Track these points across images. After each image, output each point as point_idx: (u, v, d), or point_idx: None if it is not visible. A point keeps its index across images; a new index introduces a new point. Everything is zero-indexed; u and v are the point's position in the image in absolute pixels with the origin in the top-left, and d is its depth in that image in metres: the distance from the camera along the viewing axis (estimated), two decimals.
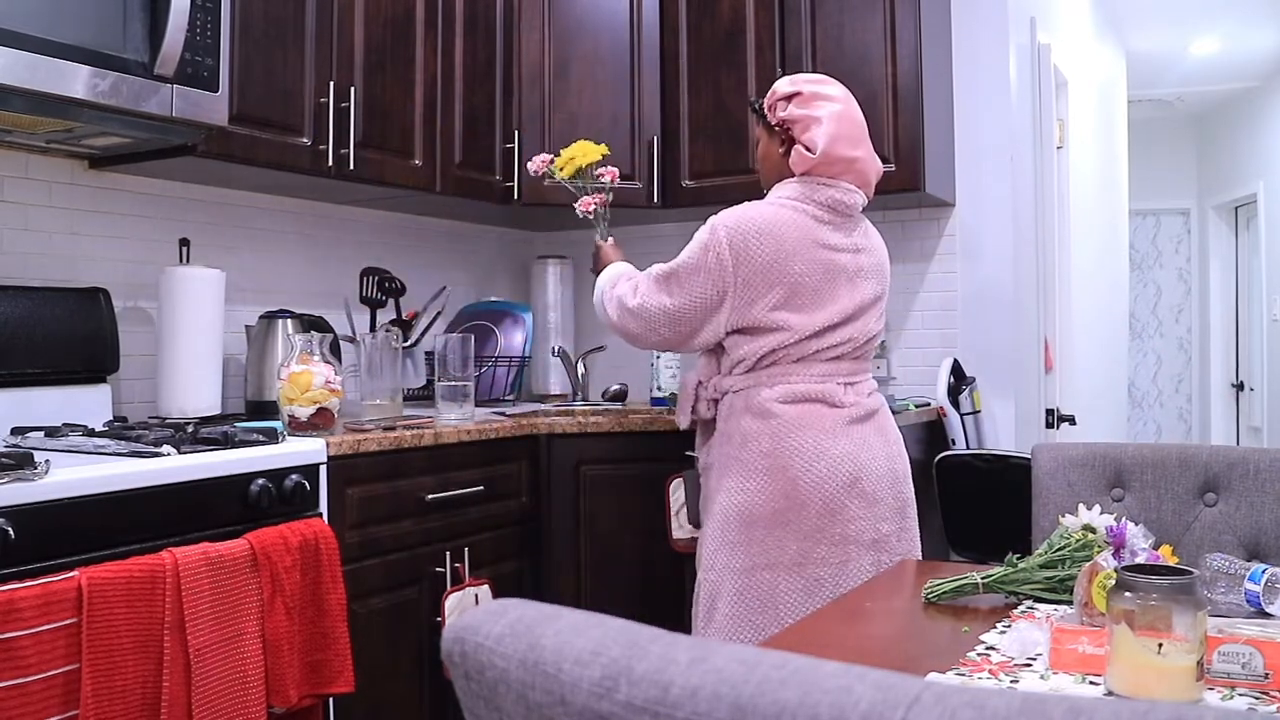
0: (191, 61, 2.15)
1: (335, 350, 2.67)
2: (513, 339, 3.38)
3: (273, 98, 2.47)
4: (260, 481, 1.98)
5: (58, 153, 2.42)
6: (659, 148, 3.31)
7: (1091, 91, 5.28)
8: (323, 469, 2.14)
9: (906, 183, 3.03)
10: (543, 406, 3.33)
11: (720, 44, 3.28)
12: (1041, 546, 1.53)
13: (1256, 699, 1.11)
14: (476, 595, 2.49)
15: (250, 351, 2.70)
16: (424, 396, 3.14)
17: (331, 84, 2.61)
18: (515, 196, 3.20)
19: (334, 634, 1.99)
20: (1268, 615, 1.36)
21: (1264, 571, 1.38)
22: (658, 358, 3.26)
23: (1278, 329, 6.72)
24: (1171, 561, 1.39)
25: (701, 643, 0.59)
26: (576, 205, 2.62)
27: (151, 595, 1.69)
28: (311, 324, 2.71)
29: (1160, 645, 1.08)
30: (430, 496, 2.42)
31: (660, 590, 2.80)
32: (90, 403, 2.38)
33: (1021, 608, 1.45)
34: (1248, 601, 1.37)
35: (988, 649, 1.27)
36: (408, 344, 3.06)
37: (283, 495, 2.03)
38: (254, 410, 2.64)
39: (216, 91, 2.21)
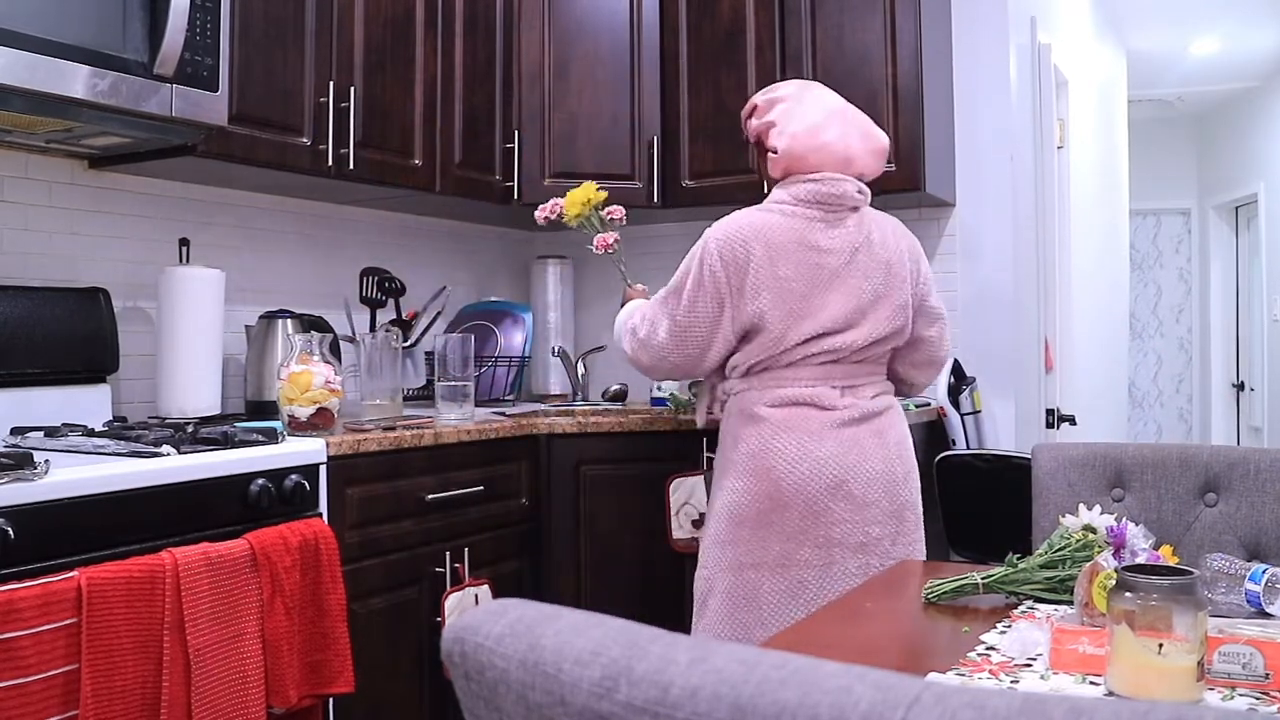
0: (191, 61, 2.15)
1: (335, 350, 2.67)
2: (513, 339, 3.38)
3: (273, 98, 2.47)
4: (260, 481, 1.98)
5: (58, 153, 2.42)
6: (659, 148, 3.31)
7: (1091, 91, 5.28)
8: (323, 469, 2.14)
9: (906, 183, 3.03)
10: (543, 406, 3.33)
11: (720, 44, 3.28)
12: (1042, 546, 1.53)
13: (1257, 699, 1.11)
14: (476, 595, 2.49)
15: (250, 351, 2.70)
16: (424, 396, 3.14)
17: (331, 84, 2.61)
18: (515, 196, 3.20)
19: (334, 634, 1.99)
20: (1268, 615, 1.36)
21: (1264, 571, 1.38)
22: None
23: (1278, 329, 6.72)
24: (1171, 561, 1.39)
25: (701, 643, 0.58)
26: (593, 246, 2.65)
27: (151, 595, 1.69)
28: (311, 324, 2.71)
29: (1160, 645, 1.08)
30: (430, 496, 2.42)
31: (660, 590, 2.80)
32: (90, 403, 2.38)
33: (1022, 608, 1.45)
34: (1248, 601, 1.37)
35: (988, 649, 1.27)
36: (408, 344, 3.06)
37: (283, 495, 2.03)
38: (254, 410, 2.64)
39: (216, 91, 2.21)
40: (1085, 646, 1.19)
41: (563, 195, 2.69)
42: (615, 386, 3.44)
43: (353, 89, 2.66)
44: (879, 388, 2.29)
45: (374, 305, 3.04)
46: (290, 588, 1.91)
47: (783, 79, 2.96)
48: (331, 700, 2.10)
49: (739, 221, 2.20)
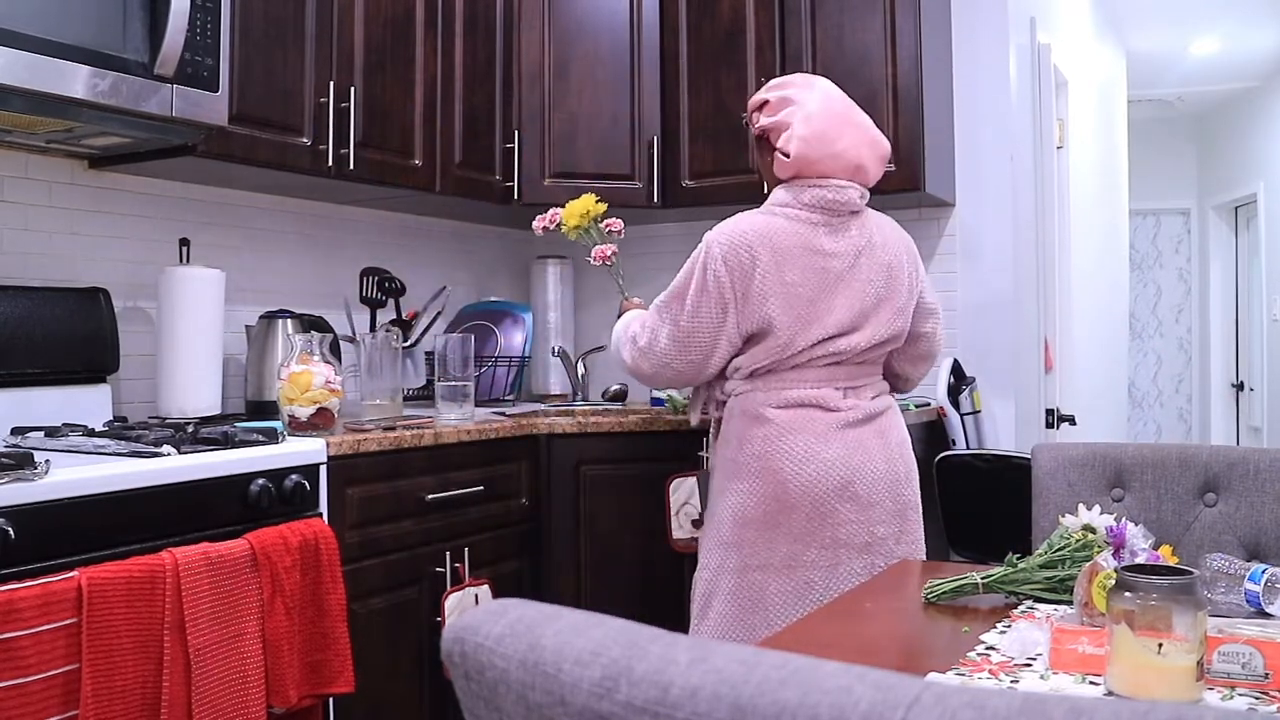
0: (191, 61, 2.15)
1: (335, 350, 2.67)
2: (513, 339, 3.38)
3: (273, 98, 2.47)
4: (260, 481, 1.98)
5: (58, 153, 2.42)
6: (659, 148, 3.32)
7: (1091, 91, 5.28)
8: (323, 469, 2.15)
9: (906, 183, 3.03)
10: (543, 406, 3.33)
11: (720, 44, 3.28)
12: (1041, 546, 1.53)
13: (1256, 699, 1.11)
14: (476, 595, 2.49)
15: (250, 351, 2.70)
16: (424, 396, 3.14)
17: (331, 84, 2.61)
18: (515, 196, 3.20)
19: (334, 634, 1.99)
20: (1268, 615, 1.36)
21: (1264, 571, 1.38)
22: None
23: (1278, 329, 6.72)
24: (1171, 561, 1.39)
25: (701, 643, 0.59)
26: (591, 257, 2.65)
27: (151, 595, 1.69)
28: (311, 324, 2.71)
29: (1160, 645, 1.08)
30: (430, 496, 2.42)
31: (660, 590, 2.80)
32: (90, 403, 2.38)
33: (1021, 608, 1.45)
34: (1248, 601, 1.37)
35: (988, 649, 1.27)
36: (408, 344, 3.06)
37: (283, 495, 2.03)
38: (254, 410, 2.64)
39: (216, 91, 2.21)
40: (1085, 646, 1.19)
41: (562, 202, 2.69)
42: (615, 386, 3.44)
43: (353, 89, 2.66)
44: (878, 388, 2.30)
45: (374, 305, 3.04)
46: (290, 588, 1.91)
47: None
48: (331, 700, 2.10)
49: (742, 225, 2.19)
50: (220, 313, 2.54)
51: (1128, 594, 1.11)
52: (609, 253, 2.63)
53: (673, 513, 2.75)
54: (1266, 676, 1.13)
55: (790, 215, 2.19)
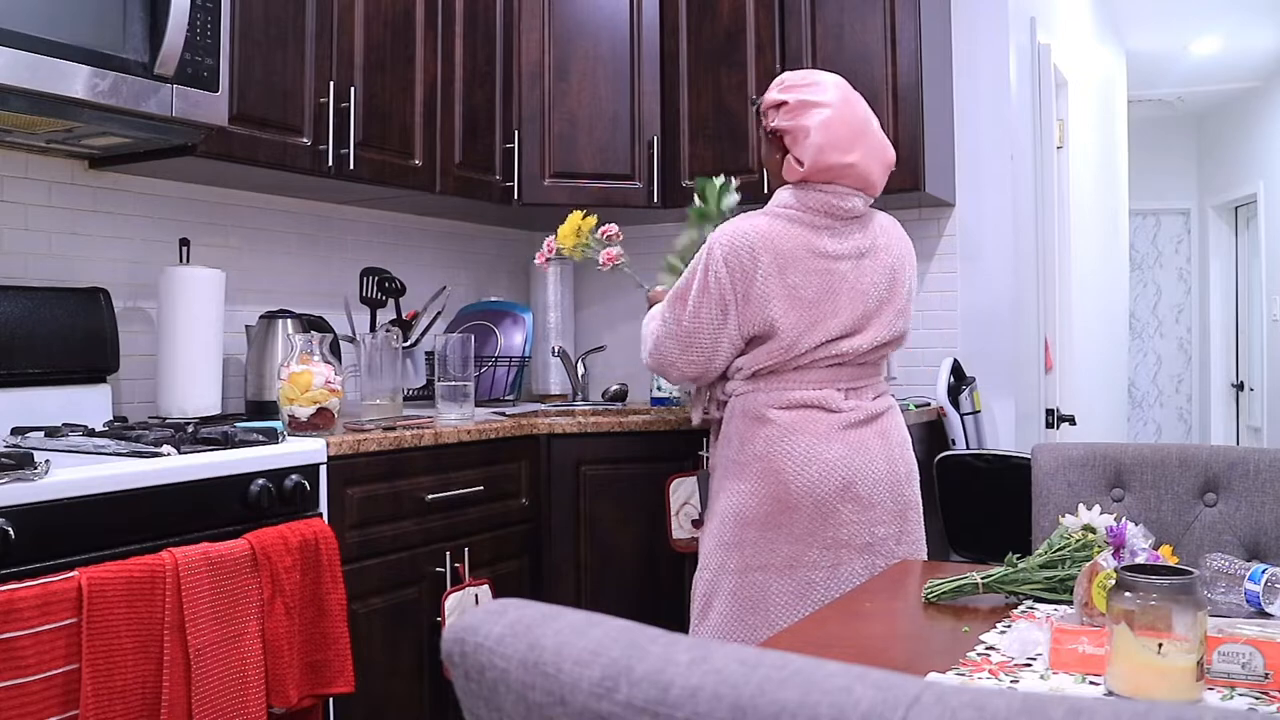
0: (191, 61, 2.15)
1: (335, 350, 2.67)
2: (513, 339, 3.39)
3: (273, 98, 2.47)
4: (260, 481, 1.98)
5: (58, 153, 2.42)
6: (659, 148, 3.32)
7: (1091, 91, 5.28)
8: (323, 469, 2.14)
9: (906, 183, 3.03)
10: (543, 406, 3.33)
11: (720, 44, 3.28)
12: (1041, 546, 1.53)
13: (1256, 699, 1.11)
14: (476, 595, 2.49)
15: (250, 351, 2.70)
16: (424, 396, 3.14)
17: (331, 84, 2.61)
18: (515, 196, 3.20)
19: (334, 634, 1.99)
20: (1268, 615, 1.36)
21: (1264, 571, 1.38)
22: None
23: (1278, 329, 6.72)
24: (1171, 561, 1.39)
25: (701, 643, 0.59)
26: (600, 265, 2.72)
27: (151, 595, 1.69)
28: (311, 324, 2.71)
29: (1160, 645, 1.08)
30: (430, 496, 2.42)
31: (660, 590, 2.80)
32: (90, 403, 2.38)
33: (1021, 608, 1.45)
34: (1248, 601, 1.37)
35: (988, 649, 1.27)
36: (408, 344, 3.06)
37: (283, 495, 2.03)
38: (254, 410, 2.64)
39: (216, 91, 2.21)
40: (1085, 646, 1.19)
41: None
42: (615, 386, 3.44)
43: (353, 89, 2.66)
44: (879, 389, 2.30)
45: (374, 305, 3.04)
46: (290, 588, 1.91)
47: None
48: (331, 700, 2.10)
49: (744, 227, 2.19)
50: (220, 313, 2.54)
51: (1128, 594, 1.11)
52: (615, 254, 2.67)
53: (673, 513, 2.75)
54: (1266, 676, 1.13)
55: (794, 217, 2.19)
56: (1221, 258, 7.81)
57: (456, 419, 2.65)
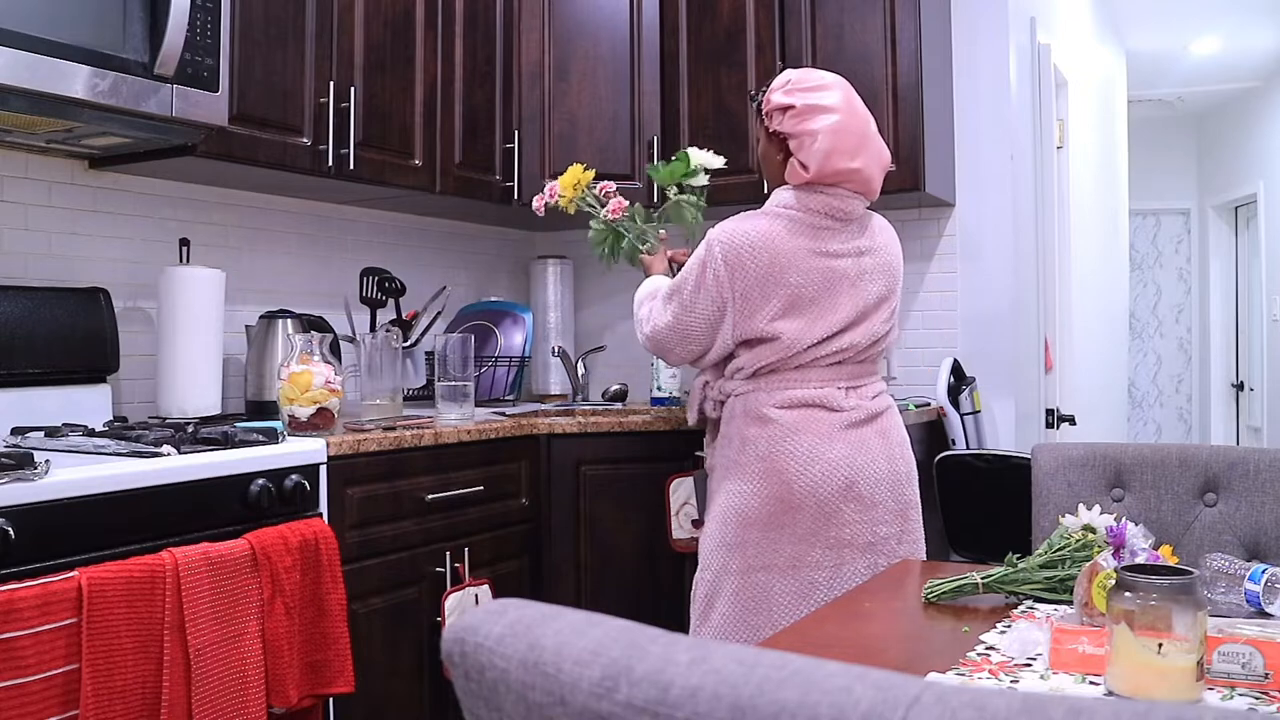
0: (191, 61, 2.15)
1: (335, 350, 2.67)
2: (513, 339, 3.39)
3: (273, 98, 2.47)
4: (260, 481, 1.98)
5: (58, 153, 2.42)
6: (659, 148, 3.31)
7: (1091, 91, 5.28)
8: (323, 469, 2.14)
9: (906, 183, 3.03)
10: (543, 406, 3.33)
11: (720, 44, 3.28)
12: (1041, 546, 1.53)
13: (1256, 699, 1.11)
14: (476, 595, 2.49)
15: (250, 351, 2.70)
16: (424, 396, 3.14)
17: (331, 84, 2.61)
18: (515, 196, 3.20)
19: (334, 634, 1.99)
20: (1268, 615, 1.36)
21: (1264, 571, 1.38)
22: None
23: (1278, 329, 6.72)
24: (1171, 561, 1.39)
25: (701, 643, 0.59)
26: (606, 215, 2.66)
27: (151, 595, 1.69)
28: (311, 324, 2.71)
29: (1160, 645, 1.08)
30: (430, 496, 2.42)
31: (660, 590, 2.80)
32: (90, 403, 2.38)
33: (1021, 608, 1.45)
34: (1248, 601, 1.37)
35: (988, 649, 1.27)
36: (408, 344, 3.06)
37: (283, 495, 2.03)
38: (254, 410, 2.64)
39: (216, 91, 2.21)
40: (1085, 646, 1.19)
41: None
42: (615, 386, 3.44)
43: (353, 89, 2.66)
44: (877, 386, 2.31)
45: (374, 305, 3.04)
46: (290, 588, 1.91)
47: None
48: (331, 700, 2.10)
49: (744, 226, 2.19)
50: (220, 313, 2.54)
51: (1128, 594, 1.11)
52: (624, 205, 2.65)
53: (673, 513, 2.75)
54: (1266, 676, 1.13)
55: (794, 218, 2.19)
56: (1221, 258, 7.81)
57: (456, 419, 2.65)
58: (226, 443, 2.00)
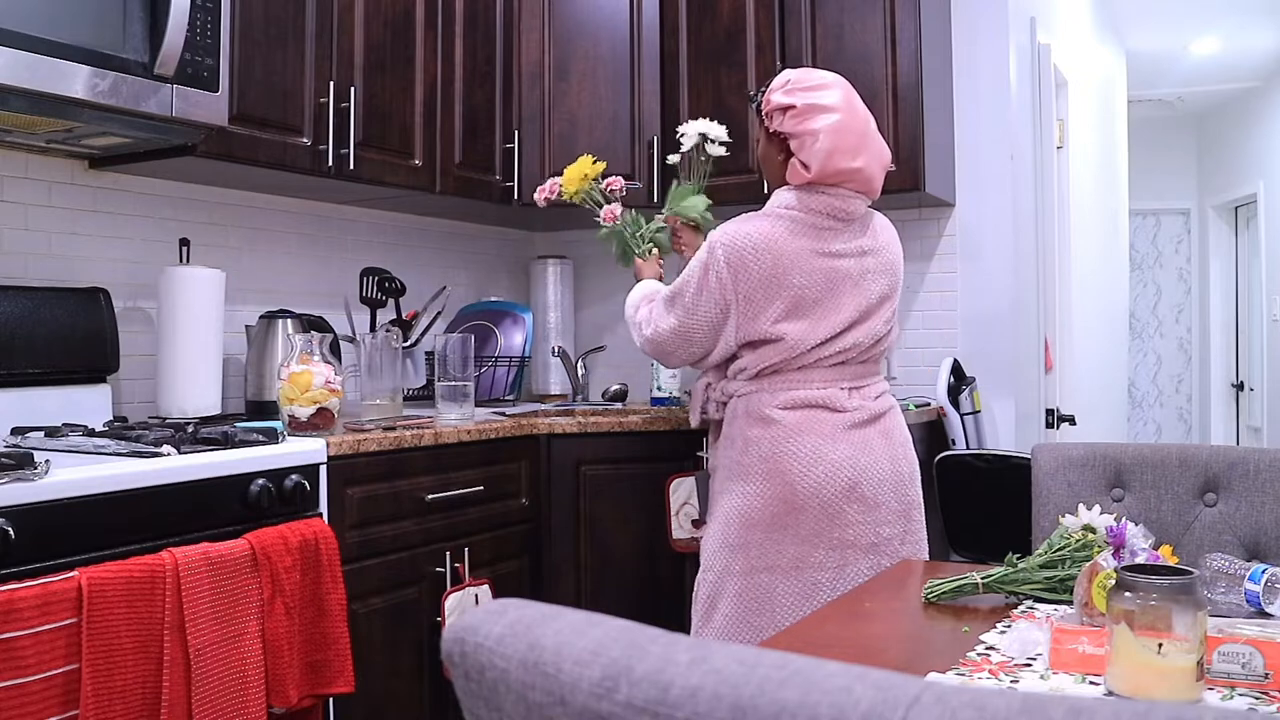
0: (191, 61, 2.15)
1: (335, 350, 2.67)
2: (513, 339, 3.38)
3: (273, 98, 2.47)
4: (260, 481, 1.98)
5: (58, 153, 2.42)
6: (659, 148, 3.31)
7: (1091, 91, 5.28)
8: (323, 469, 2.14)
9: (906, 183, 3.03)
10: (543, 406, 3.33)
11: (720, 44, 3.28)
12: (1041, 546, 1.53)
13: (1256, 699, 1.11)
14: (476, 595, 2.49)
15: (250, 351, 2.70)
16: (424, 396, 3.14)
17: (331, 84, 2.61)
18: (515, 196, 3.20)
19: (334, 634, 1.99)
20: (1268, 615, 1.36)
21: (1264, 571, 1.38)
22: None
23: (1278, 329, 6.72)
24: (1171, 561, 1.39)
25: (702, 643, 0.59)
26: (599, 219, 2.66)
27: (151, 595, 1.69)
28: (311, 324, 2.71)
29: (1160, 645, 1.08)
30: (430, 496, 2.42)
31: (660, 590, 2.80)
32: (90, 403, 2.38)
33: (1021, 608, 1.45)
34: (1248, 601, 1.37)
35: (988, 649, 1.27)
36: (408, 344, 3.06)
37: (283, 495, 2.03)
38: (254, 410, 2.64)
39: (216, 91, 2.21)
40: (1085, 646, 1.19)
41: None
42: (615, 386, 3.44)
43: (353, 89, 2.66)
44: (880, 386, 2.31)
45: (374, 305, 3.04)
46: (290, 588, 1.91)
47: None
48: (331, 700, 2.10)
49: (746, 229, 2.19)
50: (220, 313, 2.54)
51: (1128, 594, 1.11)
52: (618, 212, 2.64)
53: (673, 513, 2.75)
54: (1266, 676, 1.13)
55: (796, 219, 2.19)
56: (1221, 258, 7.81)
57: (456, 419, 2.65)
58: (226, 443, 2.00)
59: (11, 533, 1.57)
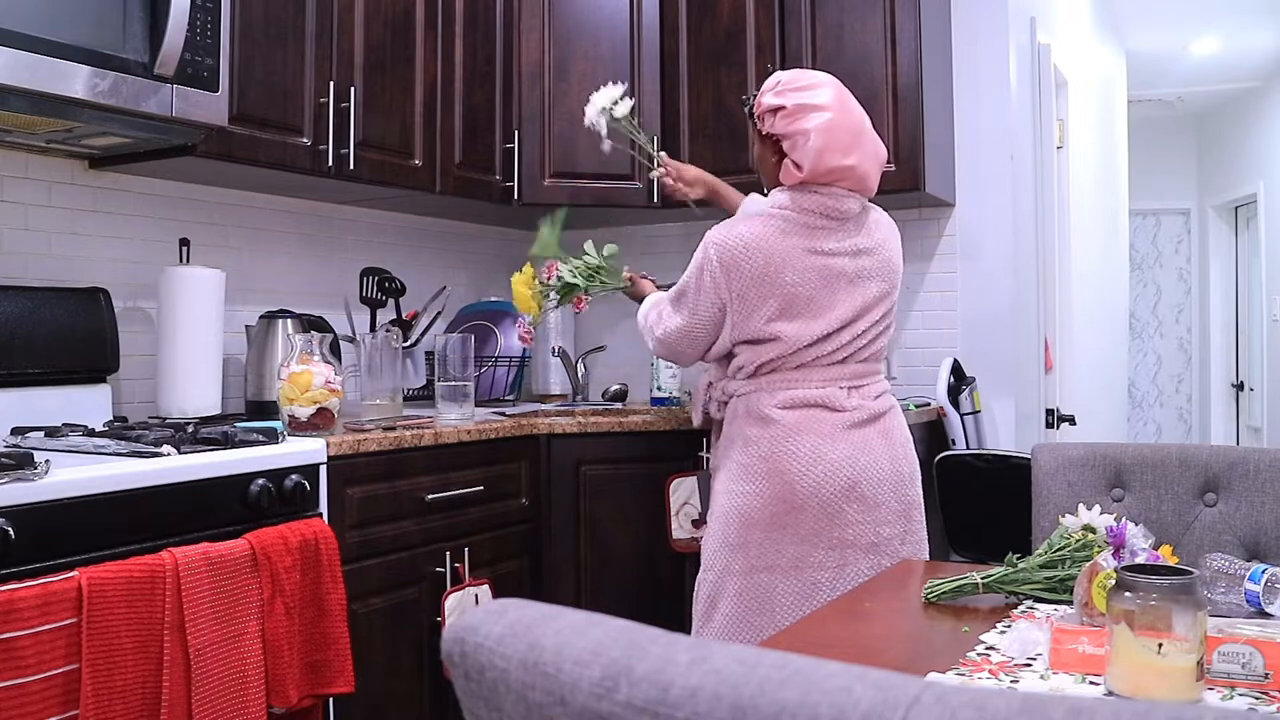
0: (191, 61, 2.15)
1: (335, 350, 2.67)
2: (512, 339, 3.38)
3: (273, 98, 2.47)
4: (260, 481, 1.98)
5: (58, 153, 2.42)
6: (659, 148, 3.31)
7: (1091, 91, 5.28)
8: (323, 469, 2.14)
9: (906, 183, 3.03)
10: (543, 406, 3.33)
11: (720, 44, 3.28)
12: (1041, 546, 1.53)
13: (1256, 699, 1.11)
14: (476, 595, 2.49)
15: (250, 351, 2.70)
16: (424, 396, 3.14)
17: (331, 84, 2.61)
18: (515, 196, 3.20)
19: (334, 634, 1.99)
20: (1268, 615, 1.36)
21: (1264, 571, 1.38)
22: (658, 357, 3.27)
23: (1278, 329, 6.72)
24: (1171, 561, 1.39)
25: (702, 643, 0.59)
26: (544, 283, 2.64)
27: (151, 595, 1.69)
28: (311, 324, 2.71)
29: (1160, 645, 1.08)
30: (430, 496, 2.42)
31: (660, 590, 2.80)
32: (90, 403, 2.38)
33: (1021, 608, 1.45)
34: (1248, 601, 1.37)
35: (988, 649, 1.27)
36: (408, 344, 3.06)
37: (283, 495, 2.03)
38: (254, 410, 2.64)
39: (216, 91, 2.21)
40: (1085, 646, 1.19)
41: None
42: (615, 386, 3.44)
43: (353, 89, 2.66)
44: (880, 386, 2.31)
45: (374, 305, 3.04)
46: (290, 588, 1.91)
47: None
48: (331, 700, 2.10)
49: (739, 228, 2.20)
50: (220, 313, 2.54)
51: (1128, 594, 1.11)
52: (555, 266, 2.61)
53: (673, 513, 2.75)
54: (1266, 676, 1.13)
55: (789, 218, 2.20)
56: (1221, 258, 7.81)
57: (456, 419, 2.65)
58: (226, 443, 2.00)
59: (11, 533, 1.57)
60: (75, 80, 1.97)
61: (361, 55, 2.71)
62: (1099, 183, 5.49)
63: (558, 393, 3.60)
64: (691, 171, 2.65)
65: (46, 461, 1.71)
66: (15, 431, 2.14)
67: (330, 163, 2.61)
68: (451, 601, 2.41)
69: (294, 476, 2.05)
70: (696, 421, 2.44)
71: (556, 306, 2.67)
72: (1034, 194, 3.74)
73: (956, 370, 3.21)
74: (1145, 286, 8.25)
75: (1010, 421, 3.36)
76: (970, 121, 3.39)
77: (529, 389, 3.61)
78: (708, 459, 2.45)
